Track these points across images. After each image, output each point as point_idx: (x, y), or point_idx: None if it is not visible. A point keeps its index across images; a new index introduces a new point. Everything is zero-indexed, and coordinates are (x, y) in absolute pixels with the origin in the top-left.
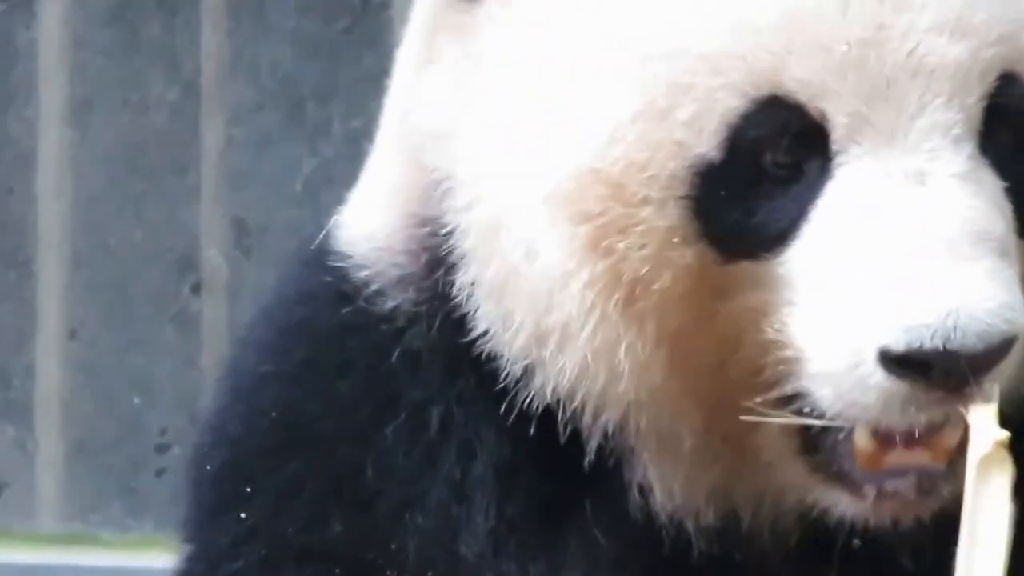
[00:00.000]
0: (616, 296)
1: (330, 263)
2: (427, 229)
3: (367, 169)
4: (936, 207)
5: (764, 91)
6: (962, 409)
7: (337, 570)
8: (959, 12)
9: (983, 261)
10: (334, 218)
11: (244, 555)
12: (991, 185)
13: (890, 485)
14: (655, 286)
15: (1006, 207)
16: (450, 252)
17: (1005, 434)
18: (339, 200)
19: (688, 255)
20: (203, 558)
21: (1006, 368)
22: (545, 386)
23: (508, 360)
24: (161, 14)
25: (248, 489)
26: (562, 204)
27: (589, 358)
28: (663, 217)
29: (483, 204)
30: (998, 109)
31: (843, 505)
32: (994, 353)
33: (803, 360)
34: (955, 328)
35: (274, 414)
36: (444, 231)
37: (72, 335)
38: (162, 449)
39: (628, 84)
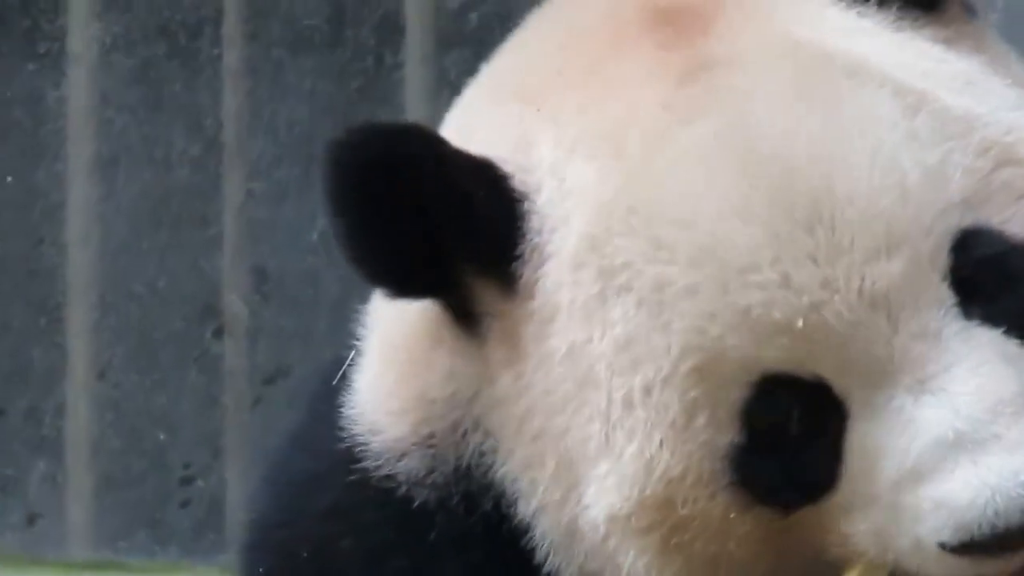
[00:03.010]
0: None
1: (344, 435)
2: (438, 463)
3: (368, 355)
4: (943, 406)
5: (756, 376)
6: None
7: None
8: (885, 229)
9: (1007, 436)
10: (344, 381)
11: None
12: (987, 344)
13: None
14: (730, 558)
15: (1008, 347)
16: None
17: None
18: None
19: (750, 523)
20: None
21: None
22: None
23: None
24: (183, 74)
25: None
26: (624, 523)
27: None
28: (716, 506)
29: (550, 515)
30: (968, 270)
31: None
32: None
33: (881, 557)
34: (999, 514)
35: (305, 553)
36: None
37: (100, 376)
38: (186, 482)
39: (643, 417)
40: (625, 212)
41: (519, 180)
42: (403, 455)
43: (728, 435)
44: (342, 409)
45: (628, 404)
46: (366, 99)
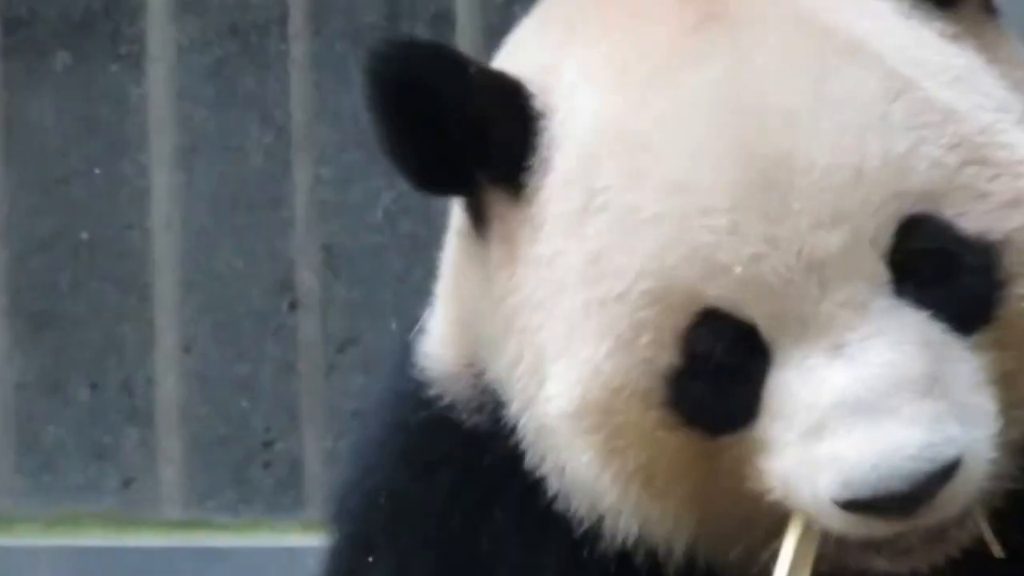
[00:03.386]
0: (637, 483)
1: (416, 375)
2: (484, 388)
3: (435, 295)
4: (851, 373)
5: (698, 308)
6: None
7: None
8: (833, 204)
9: (902, 410)
10: (416, 332)
11: None
12: (910, 324)
13: (904, 544)
14: (663, 469)
15: (931, 331)
16: (503, 410)
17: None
18: (414, 226)
19: (677, 441)
20: None
21: (966, 483)
22: (628, 537)
23: (576, 508)
24: (253, 70)
25: (370, 559)
26: (571, 424)
27: (641, 525)
28: (650, 420)
29: (523, 412)
30: (909, 253)
31: (875, 564)
32: (930, 485)
33: (790, 500)
34: (881, 478)
35: (382, 499)
36: (496, 399)
37: (186, 349)
38: (267, 445)
39: (597, 325)
40: (614, 139)
41: (540, 100)
42: (456, 381)
43: (667, 357)
44: (415, 356)
45: (587, 312)
46: None
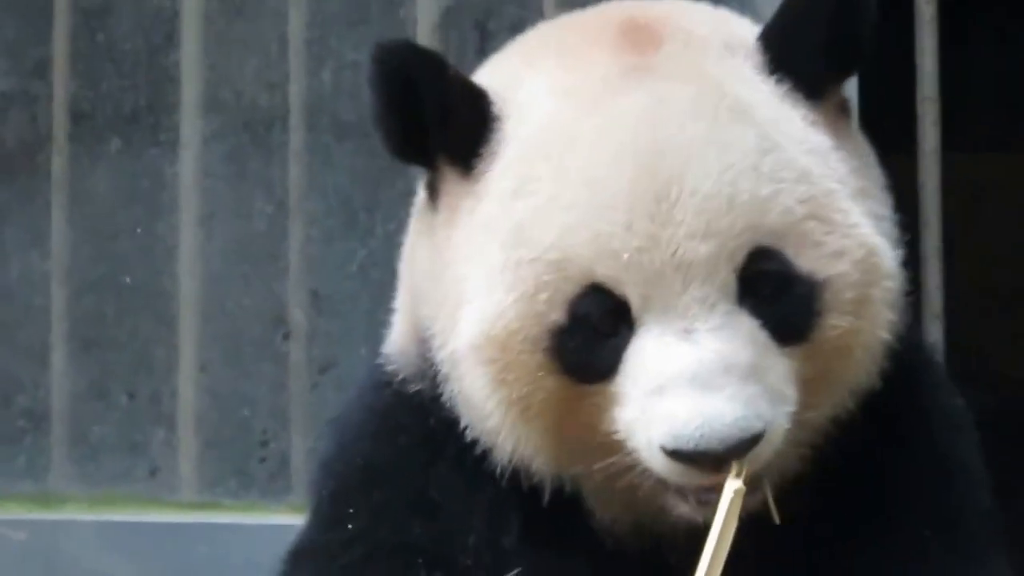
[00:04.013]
0: (516, 410)
1: (381, 364)
2: (425, 353)
3: (396, 299)
4: (694, 353)
5: (588, 281)
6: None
7: (420, 559)
8: (707, 222)
9: (726, 389)
10: (385, 332)
11: (351, 553)
12: (744, 327)
13: (704, 497)
14: (537, 402)
15: (760, 337)
16: (437, 368)
17: (741, 486)
18: (382, 275)
19: (552, 383)
20: (323, 554)
21: (765, 449)
22: (504, 455)
23: (480, 438)
24: (260, 155)
25: (350, 509)
26: (474, 354)
27: (513, 445)
28: (534, 361)
29: (443, 347)
30: (754, 274)
31: (680, 510)
32: (738, 449)
33: (629, 443)
34: (703, 436)
35: (360, 460)
36: (431, 356)
37: (202, 369)
38: (263, 444)
39: (510, 279)
40: (550, 142)
41: (498, 106)
42: (407, 356)
43: (556, 314)
44: (381, 350)
45: (504, 268)
46: (390, 170)
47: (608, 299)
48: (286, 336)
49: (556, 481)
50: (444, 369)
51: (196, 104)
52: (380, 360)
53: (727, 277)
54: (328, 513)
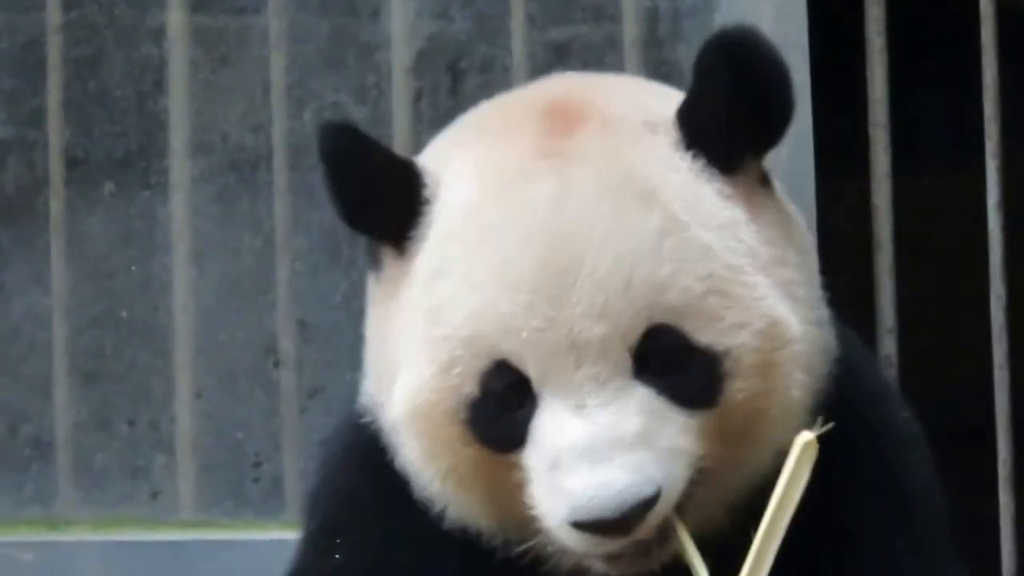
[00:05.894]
0: (451, 479)
1: (356, 412)
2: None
3: (365, 352)
4: (584, 428)
5: (494, 357)
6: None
7: None
8: (603, 303)
9: (615, 458)
10: (361, 384)
11: None
12: (635, 399)
13: (618, 552)
14: (467, 472)
15: (655, 405)
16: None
17: (812, 438)
18: (364, 307)
19: (474, 453)
20: None
21: (663, 507)
22: (451, 519)
23: (429, 500)
24: (248, 194)
25: (337, 540)
26: (406, 426)
27: (456, 511)
28: (455, 432)
29: (386, 416)
30: (650, 350)
31: (597, 567)
32: (634, 514)
33: (539, 515)
34: (596, 507)
35: (342, 495)
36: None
37: (198, 396)
38: (256, 466)
39: (430, 353)
40: (465, 224)
41: (430, 189)
42: (375, 404)
43: (469, 387)
44: (358, 394)
45: (425, 344)
46: None
47: (512, 374)
48: (276, 364)
49: (506, 541)
50: (390, 437)
51: (185, 147)
52: (357, 403)
53: (620, 355)
54: (316, 543)
